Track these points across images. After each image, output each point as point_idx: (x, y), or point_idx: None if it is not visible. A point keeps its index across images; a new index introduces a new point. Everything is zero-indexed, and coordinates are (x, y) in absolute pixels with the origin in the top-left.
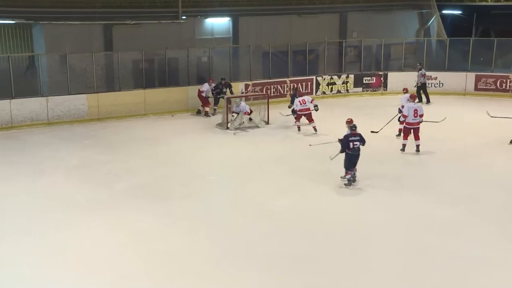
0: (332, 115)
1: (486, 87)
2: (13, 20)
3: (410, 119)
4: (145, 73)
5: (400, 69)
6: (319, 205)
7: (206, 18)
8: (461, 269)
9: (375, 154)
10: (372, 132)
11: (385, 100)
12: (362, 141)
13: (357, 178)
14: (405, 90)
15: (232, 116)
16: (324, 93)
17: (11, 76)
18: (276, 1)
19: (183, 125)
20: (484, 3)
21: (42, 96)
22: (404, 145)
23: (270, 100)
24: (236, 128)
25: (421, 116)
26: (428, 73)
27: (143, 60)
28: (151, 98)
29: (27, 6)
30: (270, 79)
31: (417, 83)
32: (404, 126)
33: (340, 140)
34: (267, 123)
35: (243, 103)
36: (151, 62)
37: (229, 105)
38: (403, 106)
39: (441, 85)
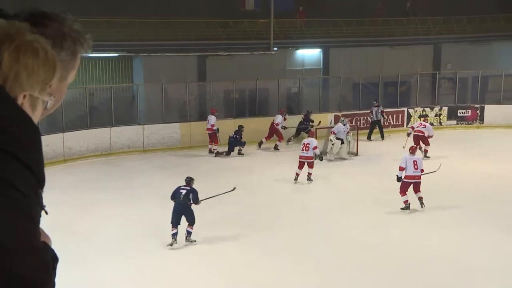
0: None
1: None
2: (116, 53)
3: (410, 172)
4: (236, 103)
5: (498, 101)
6: (414, 241)
7: (297, 49)
8: None
9: (471, 191)
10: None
11: (481, 133)
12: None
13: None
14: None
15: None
16: None
17: (112, 106)
18: (367, 32)
19: (273, 155)
20: None
21: (139, 124)
22: (406, 202)
23: (360, 131)
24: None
25: (422, 170)
26: None
27: (234, 90)
28: None
29: (129, 40)
30: (360, 110)
31: (373, 119)
32: (403, 181)
33: None
34: (356, 154)
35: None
36: (242, 92)
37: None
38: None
39: None
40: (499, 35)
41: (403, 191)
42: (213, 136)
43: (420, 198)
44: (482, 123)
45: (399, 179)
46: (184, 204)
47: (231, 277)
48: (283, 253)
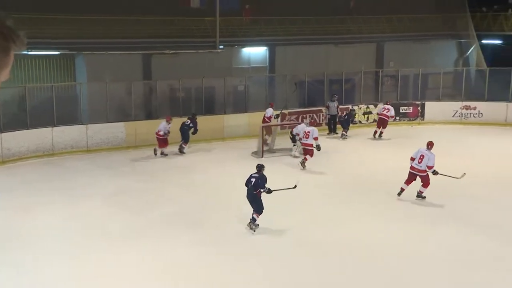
0: (368, 144)
1: None
2: (57, 51)
3: (414, 164)
4: (182, 101)
5: (438, 98)
6: (357, 235)
7: (243, 47)
8: None
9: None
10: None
11: (422, 129)
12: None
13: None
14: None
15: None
16: (360, 122)
17: (54, 105)
18: (312, 30)
19: (219, 153)
20: None
21: (82, 124)
22: (401, 189)
23: None
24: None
25: (429, 167)
26: (467, 103)
27: (181, 89)
28: None
29: (71, 38)
30: (306, 107)
31: (328, 114)
32: (409, 170)
33: None
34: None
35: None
36: (188, 91)
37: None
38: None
39: (480, 115)
40: (438, 35)
41: (407, 181)
42: (161, 141)
43: (420, 192)
44: (423, 119)
45: None
46: (252, 192)
47: (178, 275)
48: (218, 249)
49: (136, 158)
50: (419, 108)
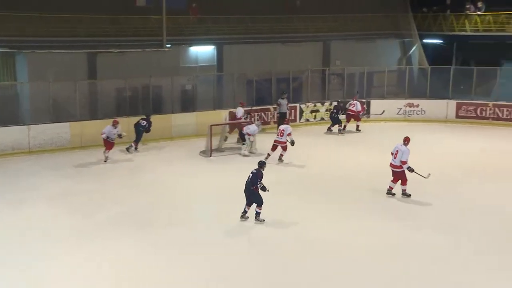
0: (318, 142)
1: (466, 115)
2: None
3: (391, 160)
4: (129, 101)
5: (382, 96)
6: (305, 232)
7: (190, 46)
8: None
9: (364, 182)
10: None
11: (368, 127)
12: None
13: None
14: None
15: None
16: (307, 120)
17: None
18: (259, 29)
19: (167, 153)
20: (463, 33)
21: (24, 124)
22: (389, 188)
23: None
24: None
25: (403, 162)
26: (410, 101)
27: (127, 88)
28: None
29: (11, 35)
30: (253, 106)
31: (278, 112)
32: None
33: None
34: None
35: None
36: (135, 90)
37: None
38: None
39: (423, 112)
40: (382, 34)
41: (392, 177)
42: (106, 143)
43: (403, 190)
44: (369, 116)
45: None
46: (249, 187)
47: (116, 276)
48: (166, 250)
49: (82, 159)
50: (364, 106)
